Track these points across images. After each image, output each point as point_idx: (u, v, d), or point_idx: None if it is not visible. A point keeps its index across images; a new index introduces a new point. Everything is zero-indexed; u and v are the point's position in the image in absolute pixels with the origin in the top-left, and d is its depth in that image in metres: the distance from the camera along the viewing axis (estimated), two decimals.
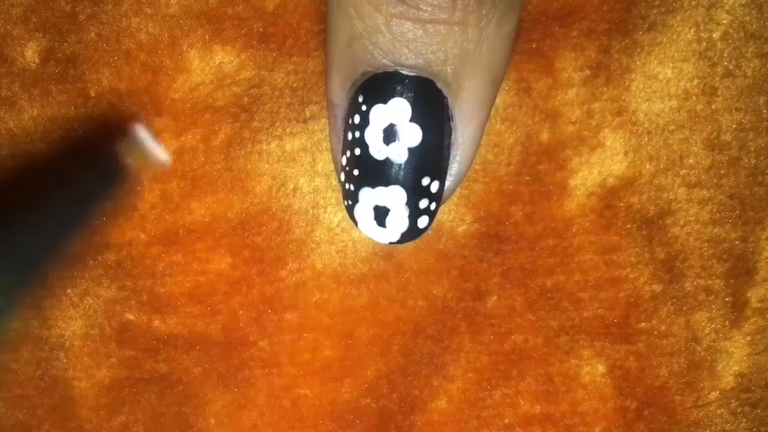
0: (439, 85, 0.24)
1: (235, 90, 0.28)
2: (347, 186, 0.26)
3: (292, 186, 0.29)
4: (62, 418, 0.30)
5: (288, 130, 0.29)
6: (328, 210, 0.29)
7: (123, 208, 0.29)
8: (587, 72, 0.28)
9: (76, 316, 0.30)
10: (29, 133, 0.29)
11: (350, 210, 0.26)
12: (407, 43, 0.23)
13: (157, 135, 0.28)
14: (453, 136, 0.25)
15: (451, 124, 0.25)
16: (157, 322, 0.29)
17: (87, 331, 0.30)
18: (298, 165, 0.29)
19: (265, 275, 0.29)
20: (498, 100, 0.28)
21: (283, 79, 0.28)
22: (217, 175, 0.29)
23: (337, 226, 0.29)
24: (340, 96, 0.25)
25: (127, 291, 0.29)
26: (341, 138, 0.26)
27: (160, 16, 0.28)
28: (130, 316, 0.30)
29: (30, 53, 0.28)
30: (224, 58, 0.28)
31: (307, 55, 0.28)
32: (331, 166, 0.28)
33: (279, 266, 0.29)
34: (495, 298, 0.29)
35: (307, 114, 0.28)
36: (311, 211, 0.29)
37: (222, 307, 0.29)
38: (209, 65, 0.28)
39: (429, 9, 0.23)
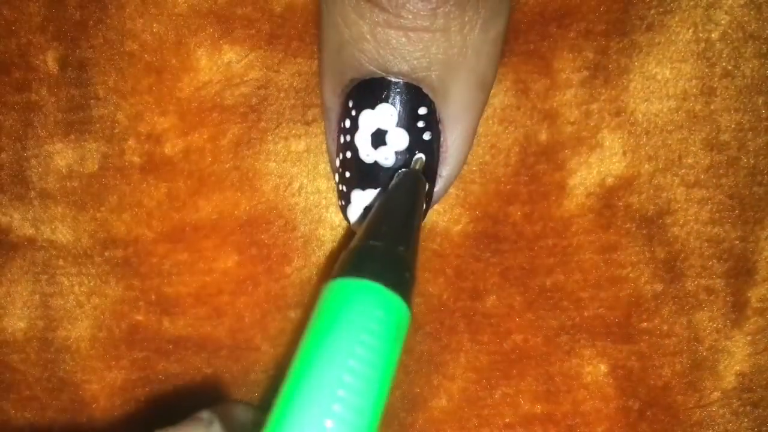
0: (426, 90, 0.25)
1: (243, 90, 0.29)
2: (341, 187, 0.27)
3: (297, 185, 0.29)
4: (73, 418, 0.30)
5: (293, 131, 0.29)
6: (330, 210, 0.29)
7: (129, 205, 0.29)
8: (585, 73, 0.28)
9: (83, 317, 0.30)
10: (52, 134, 0.30)
11: (344, 210, 0.27)
12: (392, 50, 0.24)
13: (162, 134, 0.29)
14: (441, 138, 0.26)
15: (440, 127, 0.25)
16: (166, 324, 0.30)
17: (95, 333, 0.30)
18: (303, 165, 0.29)
19: (271, 273, 0.30)
20: (496, 102, 0.28)
21: (288, 80, 0.29)
22: (224, 174, 0.29)
23: (339, 225, 0.29)
24: (332, 101, 0.26)
25: (135, 291, 0.30)
26: (335, 141, 0.27)
27: (166, 16, 0.29)
28: (139, 317, 0.30)
29: (50, 60, 0.29)
30: (233, 57, 0.29)
31: (310, 57, 0.29)
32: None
33: (285, 263, 0.30)
34: (494, 297, 0.29)
35: (310, 116, 0.29)
36: (314, 210, 0.29)
37: (228, 309, 0.30)
38: (217, 64, 0.29)
39: (410, 17, 0.23)
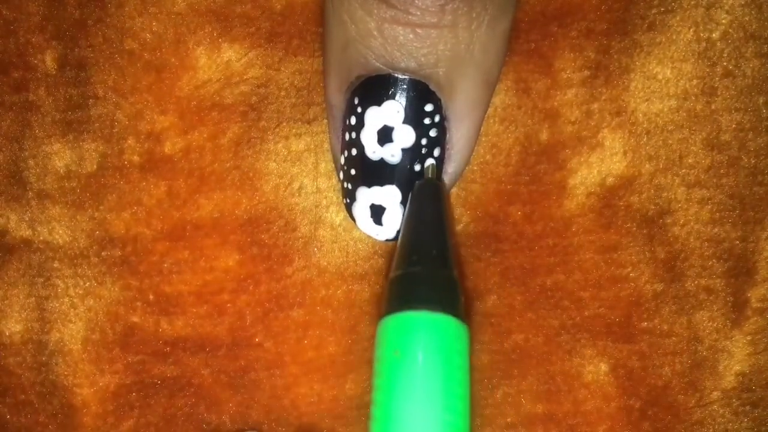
0: (432, 87, 0.25)
1: (243, 89, 0.29)
2: (346, 185, 0.27)
3: (297, 185, 0.29)
4: (64, 425, 0.30)
5: (294, 130, 0.29)
6: (331, 209, 0.29)
7: (128, 203, 0.29)
8: (586, 72, 0.28)
9: (76, 319, 0.30)
10: (50, 134, 0.30)
11: (348, 208, 0.27)
12: (399, 46, 0.24)
13: (161, 133, 0.29)
14: (447, 136, 0.26)
15: (446, 124, 0.25)
16: (164, 324, 0.30)
17: (87, 335, 0.30)
18: (303, 165, 0.29)
19: (272, 272, 0.29)
20: (497, 101, 0.28)
21: (288, 78, 0.29)
22: (225, 172, 0.29)
23: (339, 225, 0.29)
24: (337, 98, 0.26)
25: (132, 291, 0.30)
26: (340, 138, 0.27)
27: (165, 15, 0.29)
28: (135, 319, 0.30)
29: (49, 60, 0.29)
30: (232, 56, 0.29)
31: (311, 55, 0.29)
32: (333, 167, 0.29)
33: (285, 263, 0.29)
34: (494, 297, 0.29)
35: (311, 115, 0.29)
36: (315, 211, 0.29)
37: (229, 307, 0.29)
38: (216, 63, 0.29)
39: (419, 13, 0.23)
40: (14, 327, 0.30)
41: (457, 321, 0.23)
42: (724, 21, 0.28)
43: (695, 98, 0.28)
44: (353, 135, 0.26)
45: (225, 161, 0.29)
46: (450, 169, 0.26)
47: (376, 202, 0.26)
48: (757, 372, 0.29)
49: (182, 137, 0.29)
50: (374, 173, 0.26)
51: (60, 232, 0.30)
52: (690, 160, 0.29)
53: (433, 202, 0.26)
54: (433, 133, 0.25)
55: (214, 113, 0.29)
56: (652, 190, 0.29)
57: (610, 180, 0.29)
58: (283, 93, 0.29)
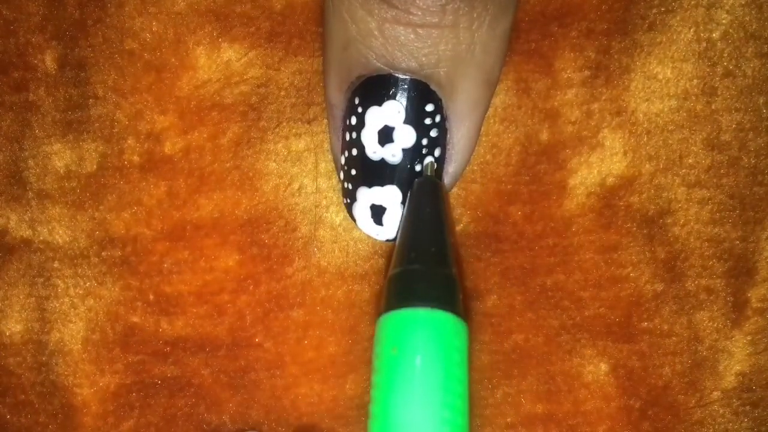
0: (433, 87, 0.25)
1: (243, 89, 0.29)
2: (346, 185, 0.27)
3: (297, 185, 0.29)
4: (64, 425, 0.30)
5: (293, 130, 0.29)
6: (331, 210, 0.29)
7: (128, 203, 0.29)
8: (586, 72, 0.28)
9: (76, 319, 0.30)
10: (50, 134, 0.30)
11: (349, 208, 0.27)
12: (400, 46, 0.24)
13: (161, 133, 0.29)
14: (448, 136, 0.26)
15: (446, 124, 0.25)
16: (164, 324, 0.29)
17: (87, 335, 0.30)
18: (303, 165, 0.29)
19: (272, 273, 0.29)
20: (497, 101, 0.28)
21: (288, 78, 0.29)
22: (225, 173, 0.29)
23: (339, 225, 0.29)
24: (337, 98, 0.26)
25: (132, 291, 0.30)
26: (340, 138, 0.27)
27: (165, 14, 0.29)
28: (135, 319, 0.30)
29: (49, 60, 0.29)
30: (232, 55, 0.29)
31: (311, 55, 0.29)
32: (333, 167, 0.29)
33: (286, 264, 0.29)
34: (494, 297, 0.29)
35: (311, 115, 0.29)
36: (315, 211, 0.29)
37: (229, 307, 0.29)
38: (216, 63, 0.29)
39: (420, 13, 0.23)
40: (14, 327, 0.30)
41: (456, 318, 0.24)
42: (724, 21, 0.28)
43: (695, 98, 0.28)
44: (354, 135, 0.26)
45: (225, 161, 0.29)
46: (450, 169, 0.26)
47: (377, 202, 0.26)
48: (757, 372, 0.29)
49: (182, 137, 0.29)
50: (375, 173, 0.26)
51: (60, 232, 0.30)
52: (690, 160, 0.29)
53: (431, 200, 0.26)
54: (433, 133, 0.25)
55: (214, 113, 0.29)
56: (653, 190, 0.29)
57: (610, 180, 0.29)
58: (283, 93, 0.29)
